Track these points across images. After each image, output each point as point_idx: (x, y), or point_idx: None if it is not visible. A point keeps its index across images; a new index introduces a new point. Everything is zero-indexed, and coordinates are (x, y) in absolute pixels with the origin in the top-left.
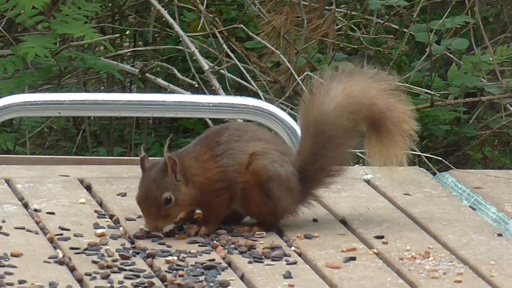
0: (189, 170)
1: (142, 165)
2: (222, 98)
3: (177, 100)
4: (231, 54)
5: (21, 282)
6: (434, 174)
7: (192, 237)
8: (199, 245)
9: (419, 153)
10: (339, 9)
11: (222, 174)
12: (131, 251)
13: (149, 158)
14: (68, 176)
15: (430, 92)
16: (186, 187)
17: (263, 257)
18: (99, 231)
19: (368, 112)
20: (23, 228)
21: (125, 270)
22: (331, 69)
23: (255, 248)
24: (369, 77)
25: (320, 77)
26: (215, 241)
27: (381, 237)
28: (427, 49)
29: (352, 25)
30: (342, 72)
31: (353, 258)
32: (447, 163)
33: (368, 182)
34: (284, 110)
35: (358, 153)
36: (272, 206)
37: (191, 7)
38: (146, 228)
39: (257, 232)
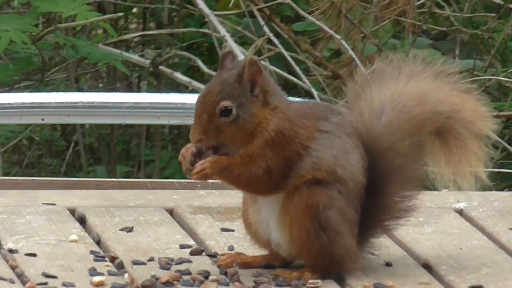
0: (275, 99)
1: (222, 63)
2: None
3: None
4: (275, 40)
5: None
6: None
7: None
8: None
9: None
10: None
11: (301, 147)
12: None
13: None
14: (54, 204)
15: None
16: (261, 109)
17: None
18: (97, 279)
19: (433, 124)
20: None
21: None
22: (371, 68)
23: None
24: (420, 72)
25: (356, 81)
26: None
27: (479, 287)
28: None
29: (439, 0)
30: (381, 73)
31: None
32: None
33: (460, 212)
34: None
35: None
36: (326, 242)
37: None
38: (190, 139)
39: (309, 280)
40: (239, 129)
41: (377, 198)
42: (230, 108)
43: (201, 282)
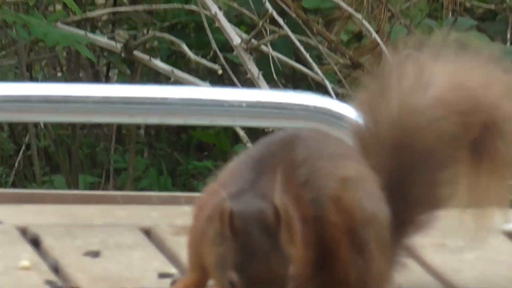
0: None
1: (232, 226)
2: (264, 94)
3: (186, 96)
4: (279, 20)
5: None
6: None
7: None
8: None
9: None
10: None
11: (313, 234)
12: None
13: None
14: (1, 222)
15: None
16: (293, 248)
17: None
18: None
19: (486, 117)
20: None
21: None
22: (427, 40)
23: None
24: (492, 59)
25: (409, 48)
26: None
27: None
28: None
29: None
30: (445, 46)
31: None
32: None
33: (510, 235)
34: None
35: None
36: (363, 269)
37: None
38: None
39: None
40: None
41: (405, 189)
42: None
43: None
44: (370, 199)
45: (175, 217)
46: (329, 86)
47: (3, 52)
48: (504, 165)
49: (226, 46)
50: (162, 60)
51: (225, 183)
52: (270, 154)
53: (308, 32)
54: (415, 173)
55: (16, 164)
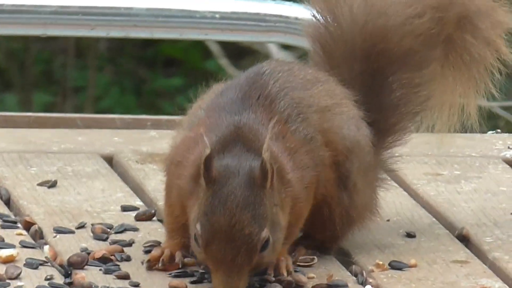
0: (283, 170)
1: (208, 174)
2: (239, 4)
3: (153, 6)
4: None
5: None
6: None
7: (181, 268)
8: (191, 281)
9: None
10: None
11: (311, 155)
12: None
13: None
14: None
15: None
16: (283, 212)
17: None
18: (5, 252)
19: (460, 10)
20: None
21: None
22: None
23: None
24: None
25: None
26: None
27: None
28: None
29: None
30: None
31: None
32: None
33: (511, 163)
34: None
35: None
36: (347, 204)
37: None
38: None
39: (302, 257)
40: (275, 251)
41: (381, 97)
42: (268, 236)
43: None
44: (350, 124)
45: (140, 143)
46: None
47: None
48: (472, 62)
49: None
50: None
51: (205, 131)
52: (242, 96)
53: None
54: (391, 78)
55: None
